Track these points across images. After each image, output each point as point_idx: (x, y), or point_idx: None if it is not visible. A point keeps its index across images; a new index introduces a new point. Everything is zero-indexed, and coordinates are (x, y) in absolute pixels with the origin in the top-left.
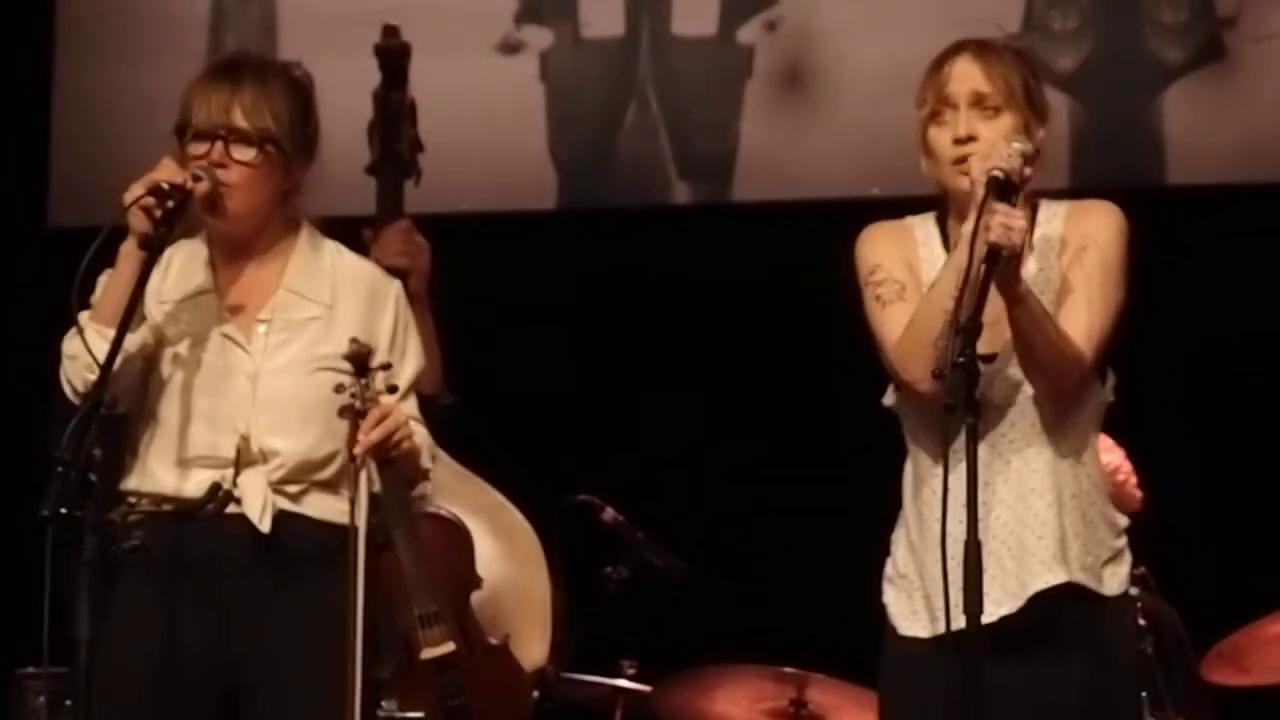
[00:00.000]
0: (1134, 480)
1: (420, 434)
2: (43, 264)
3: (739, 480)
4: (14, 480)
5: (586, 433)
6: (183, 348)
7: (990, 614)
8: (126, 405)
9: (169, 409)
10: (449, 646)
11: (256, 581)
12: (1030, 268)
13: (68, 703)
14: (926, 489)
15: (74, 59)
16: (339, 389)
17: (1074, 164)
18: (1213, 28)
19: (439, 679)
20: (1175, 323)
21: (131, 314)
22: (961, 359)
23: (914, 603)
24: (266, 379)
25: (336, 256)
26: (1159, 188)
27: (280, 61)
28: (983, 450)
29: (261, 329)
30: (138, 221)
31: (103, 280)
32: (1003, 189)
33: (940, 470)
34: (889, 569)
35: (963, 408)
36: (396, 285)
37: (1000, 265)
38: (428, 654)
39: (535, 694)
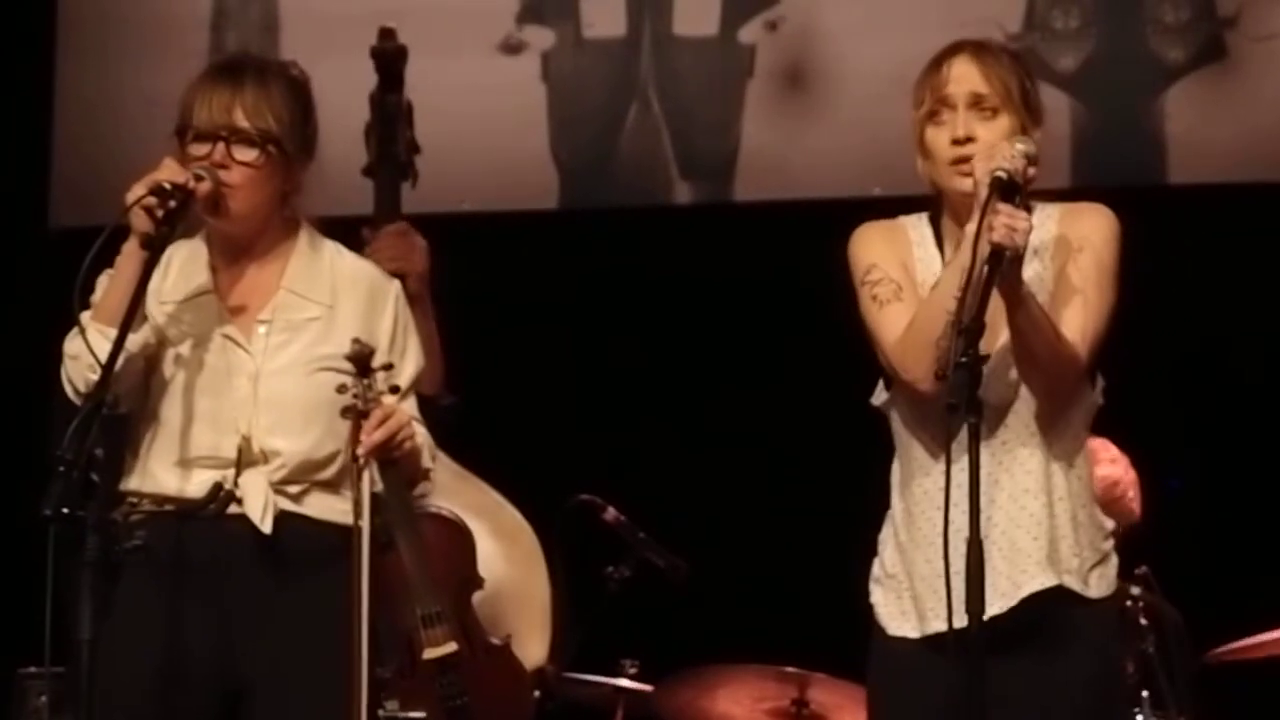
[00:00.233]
0: (1133, 494)
1: (421, 434)
2: (43, 264)
3: (740, 480)
4: (15, 480)
5: (587, 432)
6: (184, 348)
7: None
8: (128, 405)
9: (170, 410)
10: (451, 646)
11: (258, 582)
12: (1025, 269)
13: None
14: (916, 487)
15: (75, 59)
16: (341, 389)
17: (1075, 163)
18: (1214, 27)
19: (441, 679)
20: (1176, 322)
21: (133, 314)
22: (964, 359)
23: (903, 603)
24: (268, 379)
25: (336, 257)
26: (1160, 187)
27: (278, 61)
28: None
29: (262, 329)
30: (139, 221)
31: (102, 281)
32: (1006, 189)
33: (932, 468)
34: (876, 569)
35: (965, 408)
36: (396, 285)
37: (1003, 266)
38: (430, 654)
39: (536, 694)
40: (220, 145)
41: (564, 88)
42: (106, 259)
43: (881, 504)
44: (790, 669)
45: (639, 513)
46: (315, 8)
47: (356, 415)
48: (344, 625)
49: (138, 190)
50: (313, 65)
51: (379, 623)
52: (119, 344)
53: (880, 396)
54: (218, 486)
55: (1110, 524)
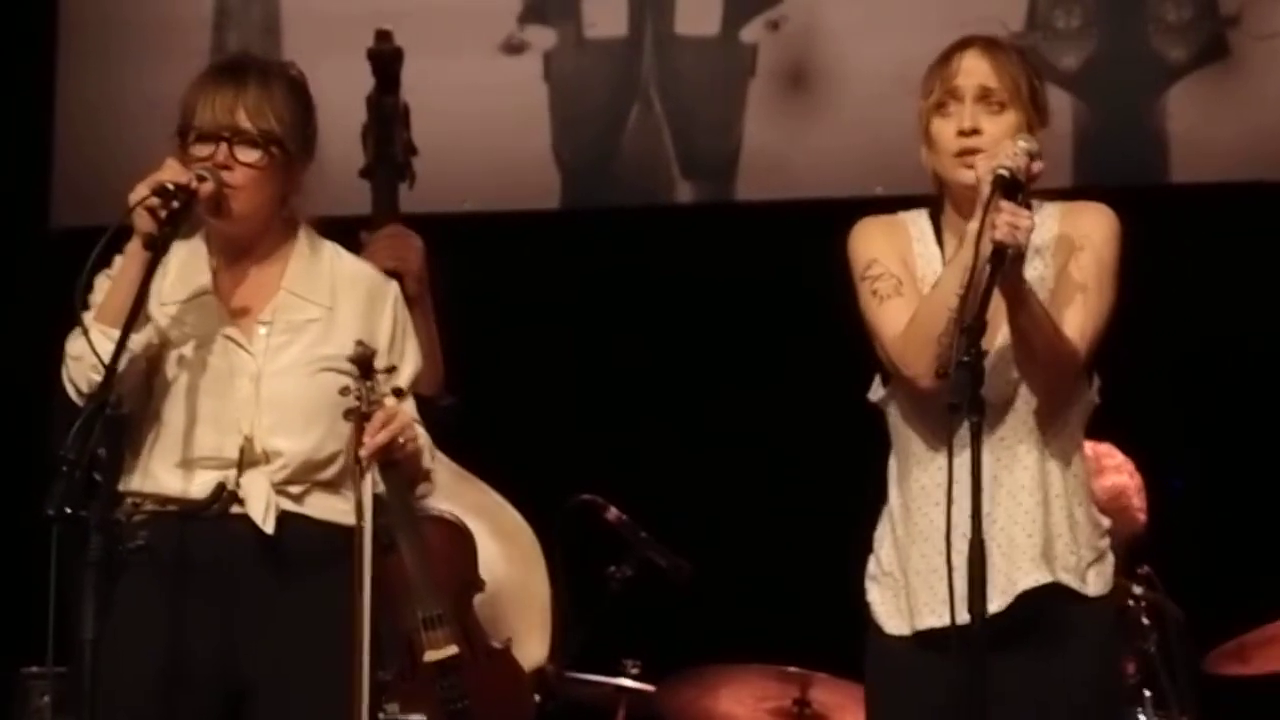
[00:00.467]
0: (1138, 502)
1: (421, 435)
2: (45, 264)
3: (742, 480)
4: (17, 480)
5: (588, 432)
6: (185, 349)
7: None
8: (129, 406)
9: (172, 410)
10: (452, 649)
11: (260, 582)
12: (1027, 268)
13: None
14: (914, 482)
15: (77, 60)
16: (344, 392)
17: (1077, 162)
18: (1216, 26)
19: (441, 682)
20: (1177, 322)
21: (136, 314)
22: (967, 358)
23: (899, 600)
24: (269, 380)
25: (335, 258)
26: (1162, 186)
27: (278, 62)
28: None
29: (263, 330)
30: (142, 222)
31: (100, 283)
32: (1009, 188)
33: (930, 462)
34: (872, 567)
35: (967, 406)
36: (394, 287)
37: (1005, 265)
38: (431, 656)
39: (536, 698)
40: (223, 146)
41: (566, 87)
42: (107, 260)
43: (882, 502)
44: (792, 669)
45: (640, 513)
46: (317, 8)
47: (359, 417)
48: (346, 626)
49: (141, 191)
50: (314, 65)
51: (380, 625)
52: (122, 344)
53: (877, 392)
54: (220, 486)
55: (1107, 521)
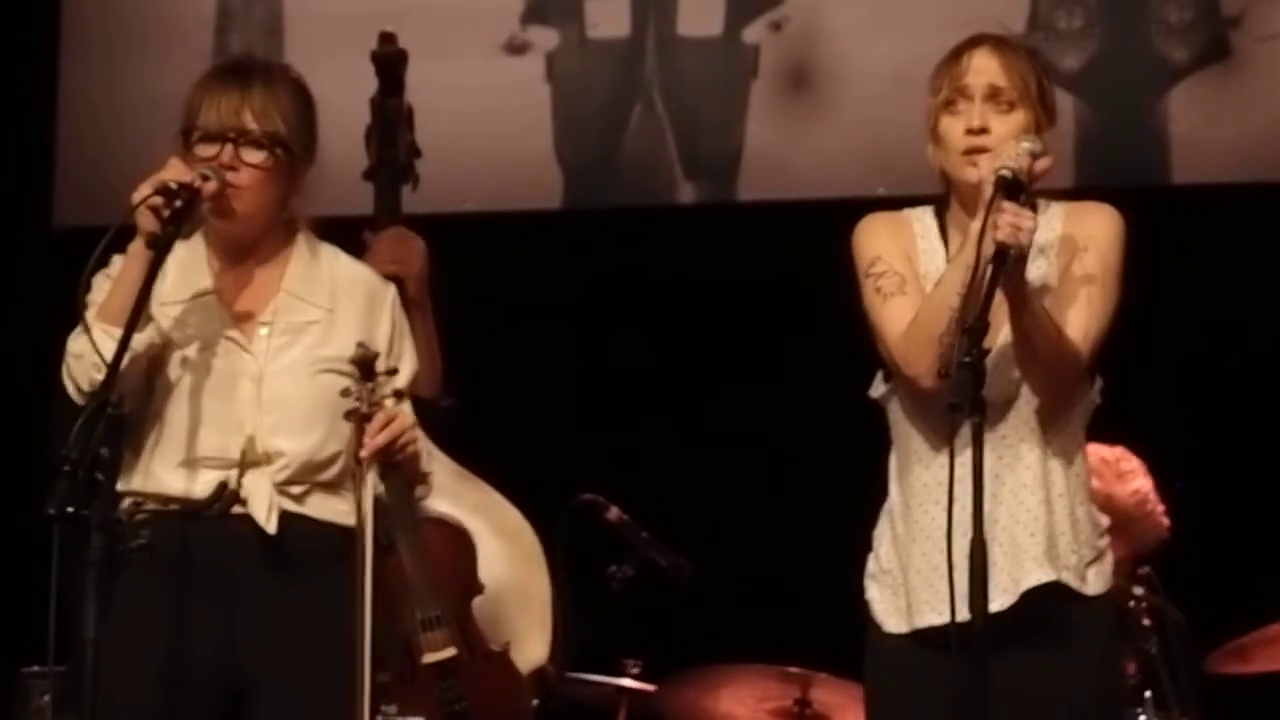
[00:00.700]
0: (1162, 508)
1: (420, 437)
2: (46, 264)
3: (742, 480)
4: (19, 479)
5: (589, 432)
6: (186, 350)
7: None
8: (129, 405)
9: (173, 410)
10: (451, 651)
11: (262, 582)
12: (1030, 268)
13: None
14: (915, 479)
15: (79, 59)
16: (346, 393)
17: (1079, 163)
18: (1218, 27)
19: (440, 684)
20: (1178, 322)
21: (139, 313)
22: (968, 359)
23: (898, 599)
24: (271, 381)
25: (334, 261)
26: (1163, 187)
27: (280, 65)
28: None
29: (264, 331)
30: (145, 221)
31: (99, 282)
32: (1011, 188)
33: (931, 460)
34: (871, 565)
35: (968, 407)
36: (392, 290)
37: (1008, 265)
38: (429, 658)
39: (535, 701)
40: (229, 147)
41: (568, 88)
42: (109, 260)
43: (882, 502)
44: (793, 669)
45: (640, 513)
46: (319, 8)
47: (360, 419)
48: (346, 626)
49: (144, 190)
50: (317, 65)
51: (380, 627)
52: (124, 343)
53: (879, 388)
54: (222, 486)
55: (1106, 521)
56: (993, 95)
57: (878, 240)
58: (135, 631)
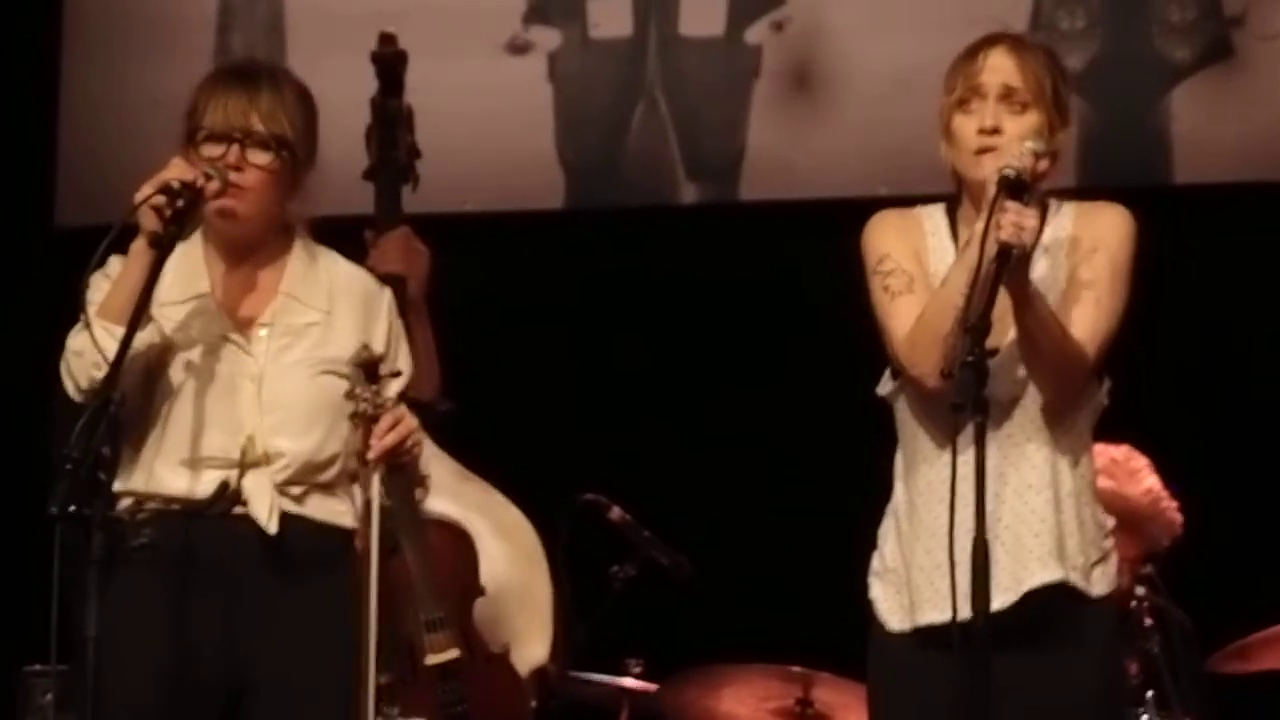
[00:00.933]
0: (1175, 504)
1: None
2: (48, 263)
3: (743, 480)
4: (19, 479)
5: (589, 432)
6: (186, 350)
7: None
8: (129, 404)
9: (174, 410)
10: (453, 652)
11: (263, 581)
12: (1038, 267)
13: None
14: (920, 478)
15: (81, 58)
16: (350, 395)
17: (1081, 163)
18: (1220, 27)
19: (442, 685)
20: (1181, 322)
21: (141, 313)
22: (971, 358)
23: (901, 597)
24: (271, 381)
25: (331, 264)
26: (1165, 187)
27: (282, 68)
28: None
29: (263, 333)
30: (148, 220)
31: (98, 282)
32: (1014, 188)
33: (936, 458)
34: (875, 563)
35: (971, 407)
36: (389, 293)
37: (1011, 264)
38: (432, 659)
39: (533, 704)
40: (235, 147)
41: (570, 88)
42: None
43: (884, 502)
44: (795, 668)
45: (641, 513)
46: (321, 8)
47: (366, 420)
48: (346, 626)
49: (146, 189)
50: (318, 65)
51: (382, 628)
52: (126, 342)
53: (886, 386)
54: (224, 485)
55: (1111, 522)
56: (1007, 95)
57: (887, 238)
58: (136, 630)
